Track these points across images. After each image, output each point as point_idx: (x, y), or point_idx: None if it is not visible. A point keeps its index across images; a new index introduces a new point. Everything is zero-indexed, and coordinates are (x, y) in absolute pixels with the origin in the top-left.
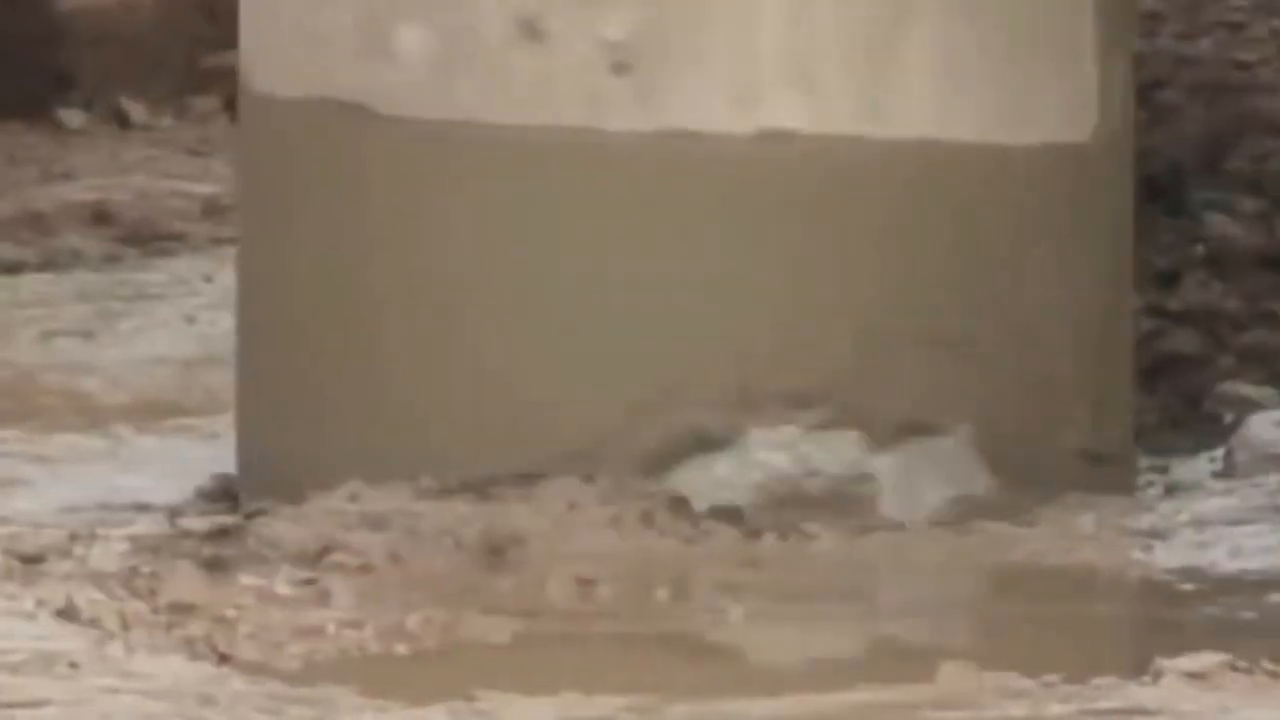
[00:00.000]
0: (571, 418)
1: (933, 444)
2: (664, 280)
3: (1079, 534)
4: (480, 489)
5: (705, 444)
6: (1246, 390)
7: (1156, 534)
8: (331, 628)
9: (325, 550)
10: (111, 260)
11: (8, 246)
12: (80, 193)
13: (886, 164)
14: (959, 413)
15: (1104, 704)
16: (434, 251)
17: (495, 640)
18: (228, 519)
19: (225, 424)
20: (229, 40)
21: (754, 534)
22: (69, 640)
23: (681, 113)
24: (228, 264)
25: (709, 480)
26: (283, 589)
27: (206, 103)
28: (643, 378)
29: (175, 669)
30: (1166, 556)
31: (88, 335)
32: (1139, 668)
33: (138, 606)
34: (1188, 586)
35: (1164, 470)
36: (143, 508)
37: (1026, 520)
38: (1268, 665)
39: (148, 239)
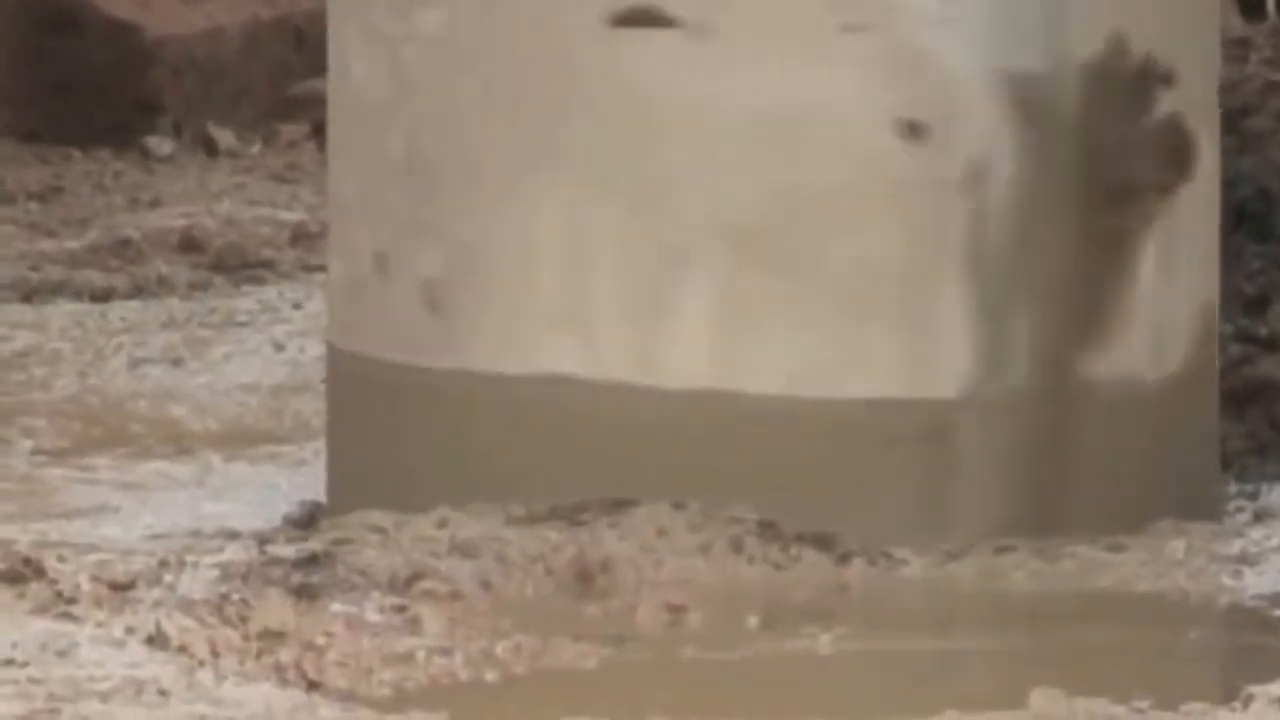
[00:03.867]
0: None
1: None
2: None
3: (1169, 560)
4: (570, 515)
5: None
6: None
7: (1246, 560)
8: (421, 655)
9: (415, 577)
10: (200, 287)
11: (96, 274)
12: (168, 220)
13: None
14: None
15: None
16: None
17: (584, 667)
18: (317, 546)
19: (313, 451)
20: (316, 67)
21: (844, 559)
22: (158, 667)
23: None
24: (317, 290)
25: None
26: (372, 616)
27: (294, 129)
28: None
29: (265, 696)
30: (1256, 582)
31: (176, 362)
32: (1229, 694)
33: (227, 634)
34: (1278, 612)
35: (1253, 496)
36: (232, 535)
37: (1116, 546)
38: None
39: (236, 266)
